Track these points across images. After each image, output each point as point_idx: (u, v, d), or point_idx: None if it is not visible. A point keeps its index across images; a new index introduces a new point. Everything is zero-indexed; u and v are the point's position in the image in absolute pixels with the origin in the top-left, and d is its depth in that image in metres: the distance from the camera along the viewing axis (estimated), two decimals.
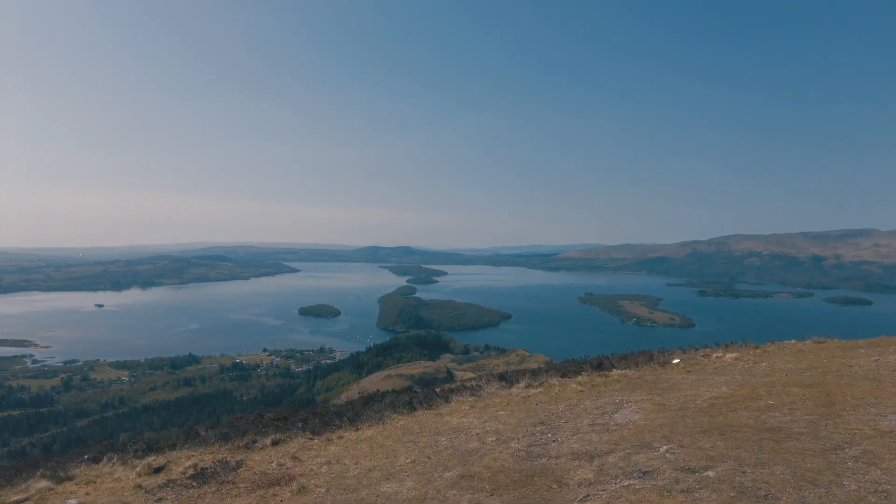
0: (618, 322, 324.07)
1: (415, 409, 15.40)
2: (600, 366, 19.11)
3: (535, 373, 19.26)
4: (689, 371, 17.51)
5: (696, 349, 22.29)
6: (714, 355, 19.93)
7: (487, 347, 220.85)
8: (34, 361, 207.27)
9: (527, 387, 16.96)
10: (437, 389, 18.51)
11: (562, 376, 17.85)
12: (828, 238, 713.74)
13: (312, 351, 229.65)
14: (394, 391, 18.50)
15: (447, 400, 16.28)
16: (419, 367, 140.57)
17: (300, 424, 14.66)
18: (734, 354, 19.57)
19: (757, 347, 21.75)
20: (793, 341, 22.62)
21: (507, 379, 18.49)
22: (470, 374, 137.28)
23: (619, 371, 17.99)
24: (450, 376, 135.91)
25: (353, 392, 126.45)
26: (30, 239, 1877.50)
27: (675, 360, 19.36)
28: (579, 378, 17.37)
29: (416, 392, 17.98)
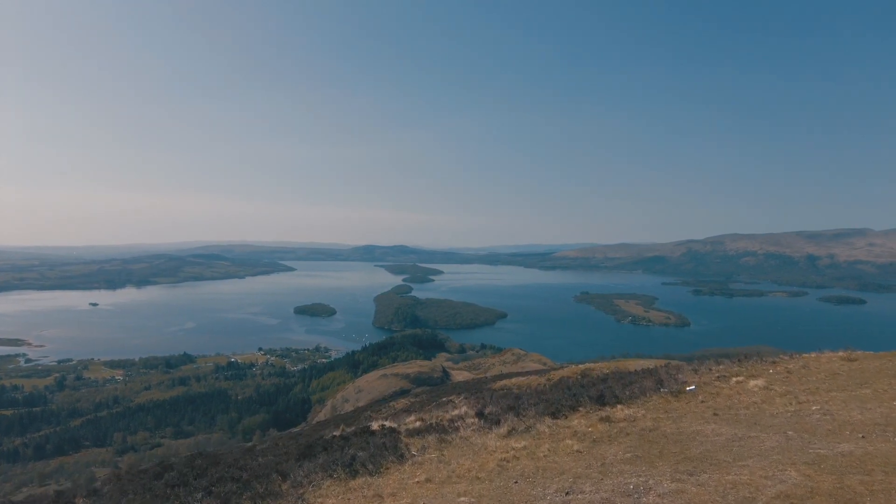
0: (614, 321, 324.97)
1: (356, 472, 11.87)
2: (601, 399, 15.64)
3: (520, 408, 15.88)
4: (715, 413, 13.57)
5: (709, 368, 19.17)
6: (734, 379, 16.70)
7: (483, 346, 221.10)
8: (27, 360, 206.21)
9: (509, 433, 13.43)
10: (400, 431, 15.27)
11: (554, 416, 14.50)
12: (822, 237, 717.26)
13: (308, 350, 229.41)
14: (342, 437, 15.66)
15: (401, 458, 12.50)
16: (415, 367, 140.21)
17: (200, 495, 11.78)
18: (759, 381, 16.12)
19: (775, 363, 19.03)
20: (813, 354, 19.99)
21: (486, 417, 15.29)
22: (466, 374, 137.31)
23: (626, 410, 14.36)
24: (445, 376, 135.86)
25: (349, 391, 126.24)
26: (25, 237, 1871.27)
27: (690, 387, 16.30)
28: (575, 422, 13.74)
29: (369, 439, 14.51)
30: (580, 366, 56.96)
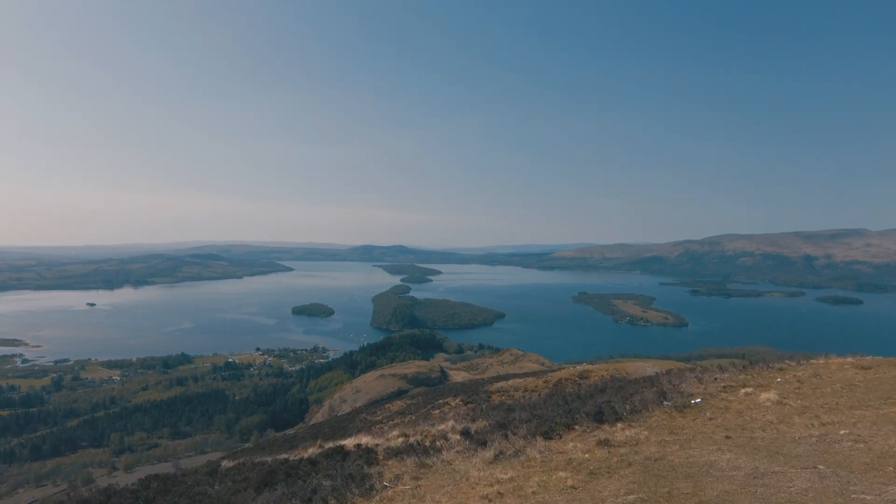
0: (612, 321, 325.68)
1: None
2: (599, 415, 14.48)
3: (511, 425, 14.47)
4: (727, 435, 11.86)
5: (714, 377, 17.91)
6: (742, 391, 15.44)
7: (481, 346, 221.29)
8: (24, 361, 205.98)
9: (495, 458, 11.81)
10: (378, 452, 14.05)
11: (546, 436, 13.13)
12: (819, 238, 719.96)
13: (306, 350, 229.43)
14: (310, 461, 14.28)
15: (370, 490, 10.83)
16: (413, 367, 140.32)
17: None
18: (771, 394, 14.77)
19: (782, 370, 17.77)
20: (821, 360, 18.77)
21: (472, 437, 13.94)
22: (464, 375, 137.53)
23: (626, 430, 12.94)
24: (443, 376, 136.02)
25: (346, 391, 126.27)
26: (22, 236, 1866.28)
27: (695, 400, 15.23)
28: (570, 445, 12.28)
29: (338, 464, 13.13)
30: (578, 367, 57.15)
